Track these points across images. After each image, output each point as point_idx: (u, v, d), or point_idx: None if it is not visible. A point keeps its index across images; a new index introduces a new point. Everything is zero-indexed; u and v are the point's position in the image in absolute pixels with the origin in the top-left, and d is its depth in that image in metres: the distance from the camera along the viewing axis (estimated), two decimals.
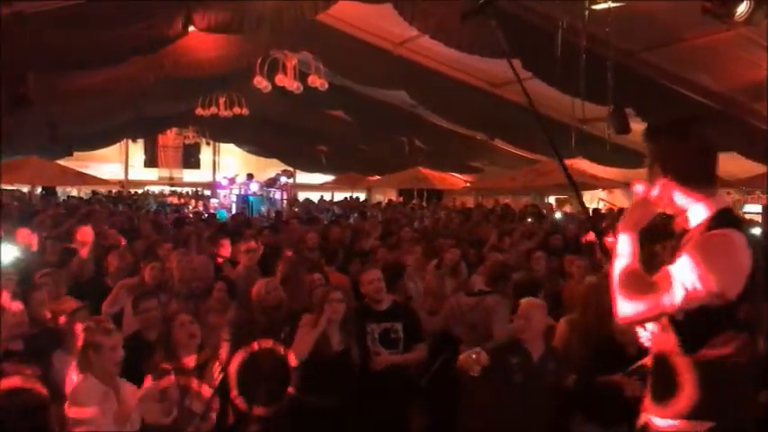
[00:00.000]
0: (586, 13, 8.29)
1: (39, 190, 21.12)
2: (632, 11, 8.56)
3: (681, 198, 2.30)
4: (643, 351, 2.67)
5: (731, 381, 2.22)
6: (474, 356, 4.07)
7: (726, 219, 2.23)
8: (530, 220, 13.60)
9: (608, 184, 18.40)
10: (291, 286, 5.48)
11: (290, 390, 4.49)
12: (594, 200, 17.66)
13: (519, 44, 10.42)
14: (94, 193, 23.01)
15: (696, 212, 2.27)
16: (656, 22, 9.58)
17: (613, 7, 8.01)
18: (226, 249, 7.42)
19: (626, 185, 18.59)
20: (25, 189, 21.02)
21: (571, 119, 11.14)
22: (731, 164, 14.16)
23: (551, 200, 20.18)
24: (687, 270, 2.12)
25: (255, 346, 4.51)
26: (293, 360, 4.50)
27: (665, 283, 2.16)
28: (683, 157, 2.28)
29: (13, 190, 20.56)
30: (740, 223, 2.26)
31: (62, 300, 4.88)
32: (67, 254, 6.91)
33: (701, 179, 2.29)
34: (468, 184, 22.85)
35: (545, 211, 16.21)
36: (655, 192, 2.32)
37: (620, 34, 9.23)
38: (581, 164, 16.09)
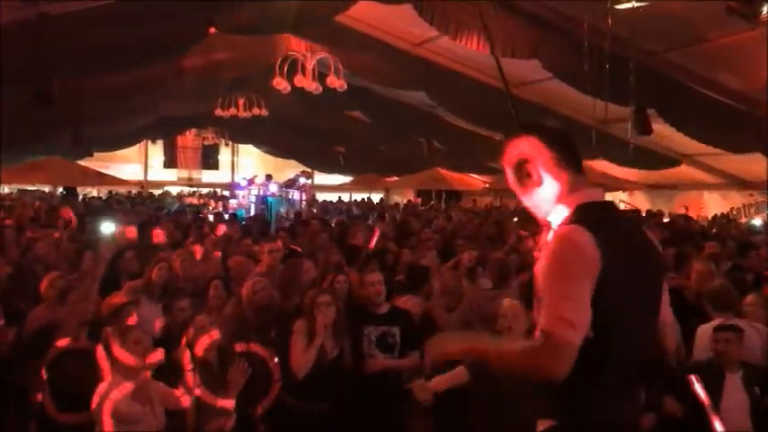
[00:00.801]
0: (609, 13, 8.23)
1: (59, 190, 21.42)
2: (655, 11, 8.47)
3: (548, 179, 2.19)
4: None
5: (581, 377, 1.99)
6: (419, 387, 4.05)
7: (580, 215, 2.10)
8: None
9: (629, 186, 18.23)
10: (286, 286, 5.45)
11: (282, 394, 4.46)
12: (615, 201, 17.51)
13: (539, 44, 10.39)
14: (111, 193, 23.26)
15: (559, 212, 2.17)
16: (680, 22, 9.46)
17: (637, 7, 7.94)
18: None
19: (647, 187, 18.47)
20: (47, 189, 21.32)
21: (592, 120, 11.04)
22: (755, 165, 13.94)
23: None
24: (542, 284, 2.05)
25: (246, 347, 4.47)
26: (297, 374, 4.41)
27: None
28: (556, 141, 2.23)
29: (34, 190, 20.89)
30: (599, 218, 2.10)
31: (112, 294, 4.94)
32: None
33: (572, 157, 2.22)
34: (486, 185, 22.74)
35: None
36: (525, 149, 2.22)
37: (642, 34, 9.14)
38: (601, 165, 15.95)
